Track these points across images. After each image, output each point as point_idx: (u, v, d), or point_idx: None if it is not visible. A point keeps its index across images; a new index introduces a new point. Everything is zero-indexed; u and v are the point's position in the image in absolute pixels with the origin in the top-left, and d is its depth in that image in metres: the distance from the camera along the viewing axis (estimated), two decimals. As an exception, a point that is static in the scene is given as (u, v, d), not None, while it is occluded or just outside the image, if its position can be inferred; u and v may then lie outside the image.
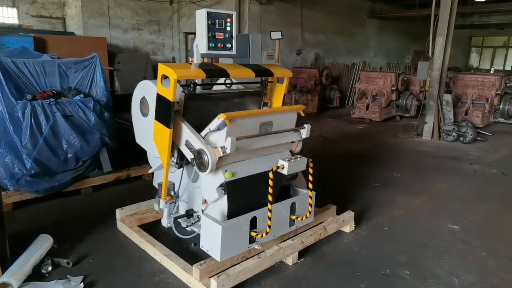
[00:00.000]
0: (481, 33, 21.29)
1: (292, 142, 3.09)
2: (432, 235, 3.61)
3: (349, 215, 3.56)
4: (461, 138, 7.63)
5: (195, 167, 2.65)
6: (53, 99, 4.06)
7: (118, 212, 3.48)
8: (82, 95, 4.36)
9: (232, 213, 2.66)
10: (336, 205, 3.71)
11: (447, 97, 8.18)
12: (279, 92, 3.31)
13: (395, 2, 15.67)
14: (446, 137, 7.77)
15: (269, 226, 2.62)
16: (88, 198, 4.28)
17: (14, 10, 11.55)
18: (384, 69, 13.38)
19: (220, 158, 2.56)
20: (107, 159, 4.52)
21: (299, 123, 3.09)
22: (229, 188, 2.63)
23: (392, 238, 3.53)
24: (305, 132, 3.04)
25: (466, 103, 9.54)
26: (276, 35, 9.76)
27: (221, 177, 2.62)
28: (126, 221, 3.38)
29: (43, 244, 2.94)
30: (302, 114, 3.05)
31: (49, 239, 3.01)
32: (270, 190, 2.56)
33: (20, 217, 3.75)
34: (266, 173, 2.69)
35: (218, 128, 2.57)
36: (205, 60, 6.68)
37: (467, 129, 7.63)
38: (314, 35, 13.96)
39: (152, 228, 3.41)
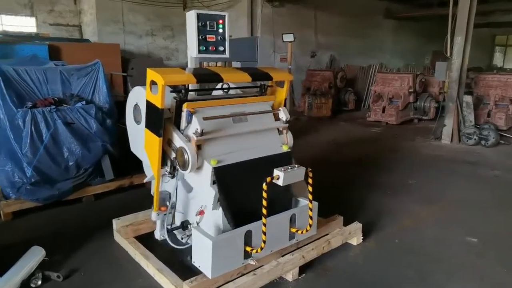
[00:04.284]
0: (506, 32, 20.45)
1: (281, 134, 2.96)
2: (446, 248, 3.35)
3: (356, 226, 3.34)
4: (483, 142, 7.25)
5: (179, 168, 2.54)
6: (54, 107, 4.01)
7: (115, 223, 3.37)
8: (84, 102, 4.31)
9: (232, 214, 2.49)
10: (344, 214, 3.50)
11: (467, 99, 7.79)
12: (280, 96, 3.14)
13: (412, 1, 15.22)
14: (467, 141, 7.40)
15: (264, 242, 2.44)
16: (89, 207, 4.21)
17: (33, 19, 11.81)
18: (402, 71, 12.99)
19: (199, 148, 2.49)
20: (109, 166, 4.44)
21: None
22: (218, 177, 2.49)
23: (402, 251, 3.29)
24: (283, 114, 2.92)
25: (489, 104, 9.07)
26: (288, 37, 9.61)
27: (208, 170, 2.50)
28: (122, 232, 3.27)
29: (34, 256, 2.85)
30: (275, 106, 2.98)
31: (41, 251, 2.92)
32: (264, 202, 2.39)
33: (19, 227, 3.70)
34: (258, 160, 2.61)
35: (188, 122, 2.53)
36: (219, 64, 6.61)
37: (489, 132, 7.24)
38: (329, 37, 13.70)
39: (150, 239, 3.28)
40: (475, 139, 7.29)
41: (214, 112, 2.61)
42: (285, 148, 2.85)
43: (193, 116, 2.49)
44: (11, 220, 3.82)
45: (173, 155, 2.62)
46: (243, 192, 2.58)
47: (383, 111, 9.73)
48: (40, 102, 4.05)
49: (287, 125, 2.93)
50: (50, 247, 3.04)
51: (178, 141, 2.54)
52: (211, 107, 2.63)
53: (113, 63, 9.55)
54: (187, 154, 2.45)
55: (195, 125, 2.46)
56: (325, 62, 13.93)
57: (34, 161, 3.86)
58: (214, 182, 2.49)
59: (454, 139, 7.57)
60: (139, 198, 4.37)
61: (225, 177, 2.51)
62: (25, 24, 11.67)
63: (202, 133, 2.46)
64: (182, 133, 2.58)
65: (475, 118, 7.78)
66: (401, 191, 4.74)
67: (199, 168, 2.52)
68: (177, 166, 2.56)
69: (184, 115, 2.53)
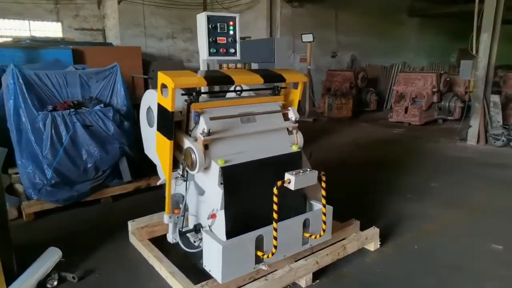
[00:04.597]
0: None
1: (291, 134, 2.89)
2: (469, 256, 3.20)
3: (373, 231, 3.24)
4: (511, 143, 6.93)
5: (187, 169, 2.52)
6: (73, 110, 4.10)
7: (130, 224, 3.40)
8: (102, 105, 4.38)
9: (235, 224, 2.46)
10: (362, 218, 3.41)
11: (495, 98, 7.46)
12: (294, 98, 3.08)
13: (437, -2, 14.78)
14: (494, 142, 7.09)
15: (275, 247, 2.39)
16: (107, 208, 4.27)
17: (59, 24, 12.19)
18: (426, 70, 12.62)
19: (206, 147, 2.48)
20: (127, 168, 4.50)
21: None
22: (225, 177, 2.45)
23: (422, 258, 3.16)
24: (293, 114, 2.86)
25: (518, 104, 8.68)
26: (307, 37, 9.53)
27: (216, 170, 2.47)
28: (137, 234, 3.29)
29: (51, 257, 2.91)
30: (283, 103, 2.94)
31: (58, 252, 2.98)
32: (275, 207, 2.34)
33: (39, 227, 3.80)
34: (266, 160, 2.58)
35: (196, 123, 2.52)
36: (239, 65, 6.62)
37: (518, 133, 6.91)
38: (349, 37, 13.47)
39: (164, 241, 3.28)
40: (503, 140, 6.98)
41: (222, 112, 2.59)
42: (294, 148, 2.79)
43: (200, 117, 2.48)
44: (32, 221, 3.92)
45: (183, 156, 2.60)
46: (252, 194, 2.54)
47: (406, 111, 9.48)
48: (59, 105, 4.14)
49: (296, 125, 2.88)
50: (67, 248, 3.10)
51: (186, 142, 2.54)
52: (219, 107, 2.62)
53: (134, 65, 9.70)
54: (194, 153, 2.44)
55: (202, 125, 2.45)
56: (346, 62, 13.72)
57: (54, 163, 3.96)
58: (221, 182, 2.46)
59: (481, 140, 7.27)
60: (156, 199, 4.38)
61: (232, 177, 2.48)
62: (51, 29, 12.07)
63: (209, 133, 2.45)
64: (190, 134, 2.57)
65: (503, 119, 7.44)
66: (423, 195, 4.58)
67: (207, 168, 2.51)
68: (186, 167, 2.54)
69: (191, 116, 2.52)
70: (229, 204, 2.43)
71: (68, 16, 12.15)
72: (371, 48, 14.19)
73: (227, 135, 2.59)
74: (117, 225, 3.66)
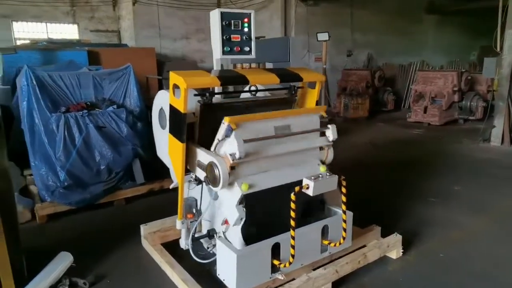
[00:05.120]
0: None
1: (321, 149, 2.72)
2: (498, 265, 3.00)
3: (396, 239, 3.07)
4: (538, 144, 6.62)
5: (210, 185, 2.38)
6: (86, 111, 4.05)
7: (142, 228, 3.32)
8: (115, 106, 4.33)
9: (250, 234, 2.34)
10: (382, 224, 3.25)
11: (520, 97, 7.15)
12: (311, 98, 2.94)
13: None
14: (519, 143, 6.79)
15: (293, 256, 2.26)
16: (120, 211, 4.21)
17: (75, 26, 12.32)
18: (446, 68, 12.26)
19: (233, 169, 2.27)
20: (140, 170, 4.44)
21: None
22: (247, 203, 2.33)
23: (447, 267, 2.98)
24: (331, 134, 2.61)
25: (545, 103, 8.31)
26: (323, 36, 9.32)
27: (237, 191, 2.32)
28: (149, 238, 3.21)
29: (62, 262, 2.84)
30: (325, 115, 2.65)
31: (69, 257, 2.91)
32: (293, 214, 2.21)
33: (52, 230, 3.76)
34: (292, 185, 2.35)
35: (226, 136, 2.28)
36: (253, 65, 6.52)
37: (545, 134, 6.60)
38: (365, 35, 13.21)
39: (177, 246, 3.17)
40: (529, 141, 6.67)
41: (256, 127, 2.33)
42: (322, 170, 2.57)
43: (233, 134, 2.22)
44: (45, 223, 3.88)
45: (198, 162, 2.48)
46: (269, 213, 2.41)
47: (425, 111, 9.20)
48: (73, 106, 4.10)
49: (331, 143, 2.66)
50: (79, 252, 3.03)
51: (207, 155, 2.35)
52: (253, 121, 2.35)
53: (148, 66, 9.71)
54: (218, 171, 2.23)
55: (234, 148, 2.19)
56: (361, 61, 13.46)
57: (67, 165, 3.91)
58: (240, 203, 2.32)
59: (505, 141, 6.96)
60: (169, 202, 4.25)
61: (254, 202, 2.33)
62: (68, 31, 12.21)
63: (240, 158, 2.22)
64: (215, 148, 2.37)
65: (529, 118, 7.12)
66: (446, 199, 4.37)
67: (229, 184, 2.35)
68: (206, 180, 2.40)
69: (223, 128, 2.28)
70: (246, 217, 2.31)
71: (84, 18, 12.27)
72: (387, 47, 13.89)
73: (258, 157, 2.35)
74: (130, 228, 3.58)
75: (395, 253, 3.06)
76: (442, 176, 5.20)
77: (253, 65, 6.45)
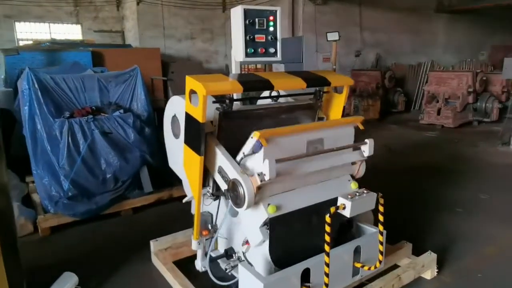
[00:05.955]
0: None
1: (353, 163, 2.46)
2: (546, 288, 2.74)
3: (430, 258, 2.80)
4: (562, 148, 6.34)
5: (230, 202, 2.13)
6: (91, 116, 3.82)
7: (152, 244, 3.07)
8: (122, 110, 4.09)
9: (277, 259, 2.09)
10: (408, 238, 2.99)
11: (541, 99, 6.88)
12: (338, 103, 2.70)
13: (468, -8, 14.02)
14: (542, 147, 6.51)
15: (327, 285, 2.00)
16: (127, 222, 3.97)
17: (78, 26, 12.11)
18: (457, 68, 11.96)
19: (259, 188, 2.02)
20: (148, 178, 4.19)
21: (358, 130, 2.45)
22: (274, 226, 2.08)
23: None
24: (367, 149, 2.40)
25: None
26: (333, 36, 9.04)
27: (263, 213, 2.07)
28: (160, 256, 2.96)
29: (66, 283, 2.60)
30: (361, 127, 2.41)
31: (73, 277, 2.66)
32: (327, 238, 1.95)
33: (55, 243, 3.51)
34: (321, 205, 2.10)
35: (253, 151, 2.03)
36: (259, 66, 6.25)
37: None
38: (374, 35, 12.91)
39: (190, 264, 2.92)
40: (552, 145, 6.39)
41: (288, 143, 2.10)
42: (353, 187, 2.35)
43: (262, 151, 1.99)
44: (48, 236, 3.64)
45: (219, 167, 2.21)
46: (296, 234, 2.17)
47: (438, 113, 8.90)
48: (77, 111, 3.87)
49: (365, 158, 2.44)
50: (84, 270, 2.81)
51: (231, 171, 2.08)
52: (283, 136, 2.12)
53: (153, 67, 9.49)
54: (243, 190, 1.99)
55: (263, 168, 1.97)
56: (369, 61, 13.16)
57: (71, 174, 3.68)
58: (265, 223, 2.07)
59: (526, 144, 6.69)
60: (179, 212, 4.05)
61: (280, 225, 2.09)
62: (71, 31, 12.00)
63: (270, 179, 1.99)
64: (239, 160, 2.13)
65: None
66: (473, 209, 4.10)
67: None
68: (228, 199, 2.15)
69: (251, 143, 2.05)
70: (271, 240, 2.06)
71: (88, 18, 12.06)
72: (396, 46, 13.59)
73: (287, 177, 2.13)
74: (139, 241, 3.33)
75: (429, 273, 2.80)
76: (464, 183, 4.93)
77: (258, 66, 6.18)
